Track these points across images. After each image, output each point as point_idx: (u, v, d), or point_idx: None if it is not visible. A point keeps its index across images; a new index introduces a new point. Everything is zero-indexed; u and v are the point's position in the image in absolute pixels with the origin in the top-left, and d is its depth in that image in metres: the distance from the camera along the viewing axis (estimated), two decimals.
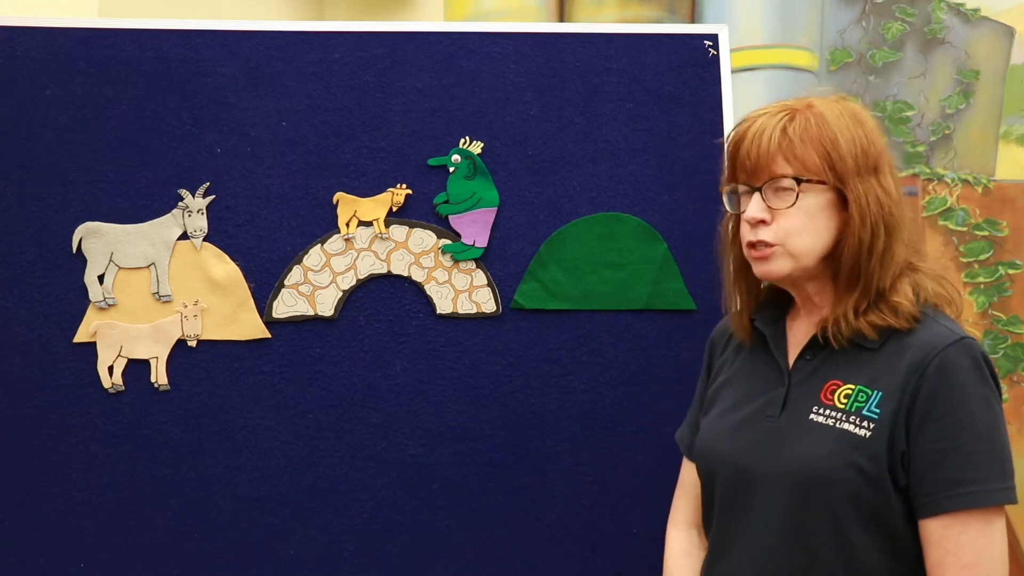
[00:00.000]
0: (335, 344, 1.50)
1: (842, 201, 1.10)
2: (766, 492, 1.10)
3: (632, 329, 1.53)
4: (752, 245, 1.13)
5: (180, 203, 1.49)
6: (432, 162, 1.52)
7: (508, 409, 1.51)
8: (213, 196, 1.49)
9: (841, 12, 2.29)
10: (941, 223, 2.21)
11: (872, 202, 1.08)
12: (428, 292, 1.51)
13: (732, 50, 1.60)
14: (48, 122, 1.48)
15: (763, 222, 1.11)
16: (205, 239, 1.49)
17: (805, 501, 1.07)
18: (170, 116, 1.50)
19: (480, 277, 1.52)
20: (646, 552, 1.44)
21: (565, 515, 1.51)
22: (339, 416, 1.50)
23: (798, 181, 1.09)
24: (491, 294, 1.52)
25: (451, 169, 1.52)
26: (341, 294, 1.50)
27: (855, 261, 1.09)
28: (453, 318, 1.51)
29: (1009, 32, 2.19)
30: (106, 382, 1.47)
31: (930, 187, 2.22)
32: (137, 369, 1.48)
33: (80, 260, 1.47)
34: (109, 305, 1.48)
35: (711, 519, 1.20)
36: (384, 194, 1.51)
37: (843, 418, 1.07)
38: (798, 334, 1.18)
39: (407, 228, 1.52)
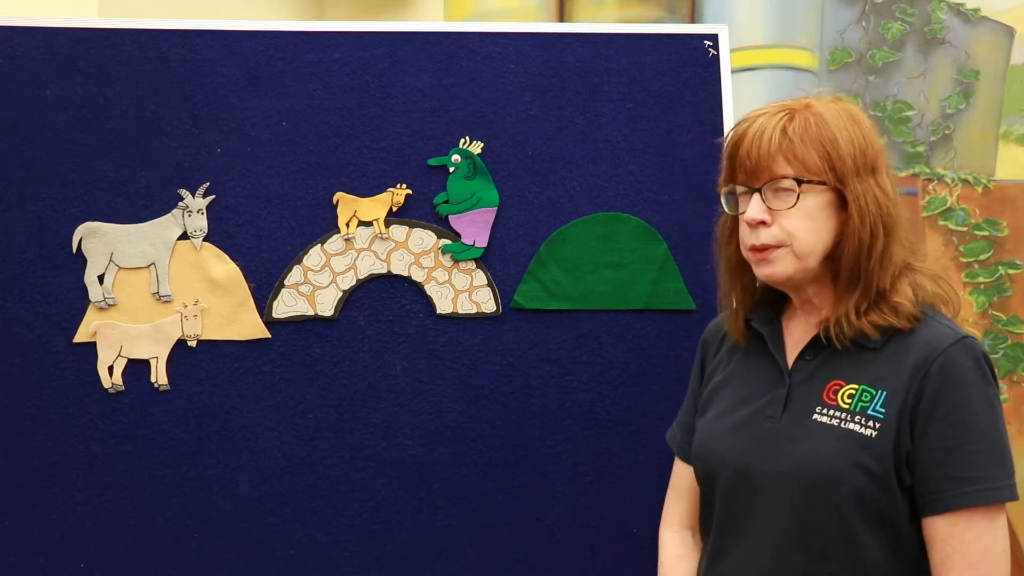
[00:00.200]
0: (335, 344, 1.50)
1: (841, 202, 1.10)
2: (769, 493, 1.10)
3: (632, 329, 1.53)
4: (754, 248, 1.13)
5: (180, 203, 1.49)
6: (432, 162, 1.52)
7: (508, 409, 1.51)
8: (213, 196, 1.49)
9: (841, 12, 2.29)
10: (941, 223, 2.21)
11: (871, 202, 1.08)
12: (428, 292, 1.51)
13: (732, 50, 1.60)
14: (48, 122, 1.48)
15: (763, 223, 1.11)
16: (205, 239, 1.49)
17: (810, 501, 1.07)
18: (170, 116, 1.50)
19: (480, 277, 1.52)
20: (646, 552, 1.44)
21: (565, 515, 1.51)
22: (339, 416, 1.50)
23: (799, 182, 1.09)
24: (491, 294, 1.52)
25: (451, 169, 1.52)
26: (341, 294, 1.50)
27: (855, 262, 1.09)
28: (453, 318, 1.51)
29: (1009, 32, 2.19)
30: (106, 382, 1.47)
31: (930, 187, 2.22)
32: (137, 369, 1.48)
33: (80, 260, 1.47)
34: (109, 305, 1.48)
35: (711, 521, 1.19)
36: (384, 194, 1.51)
37: (848, 418, 1.07)
38: (795, 334, 1.18)
39: (407, 228, 1.52)
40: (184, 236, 1.49)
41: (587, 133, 1.54)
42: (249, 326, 1.49)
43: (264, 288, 1.50)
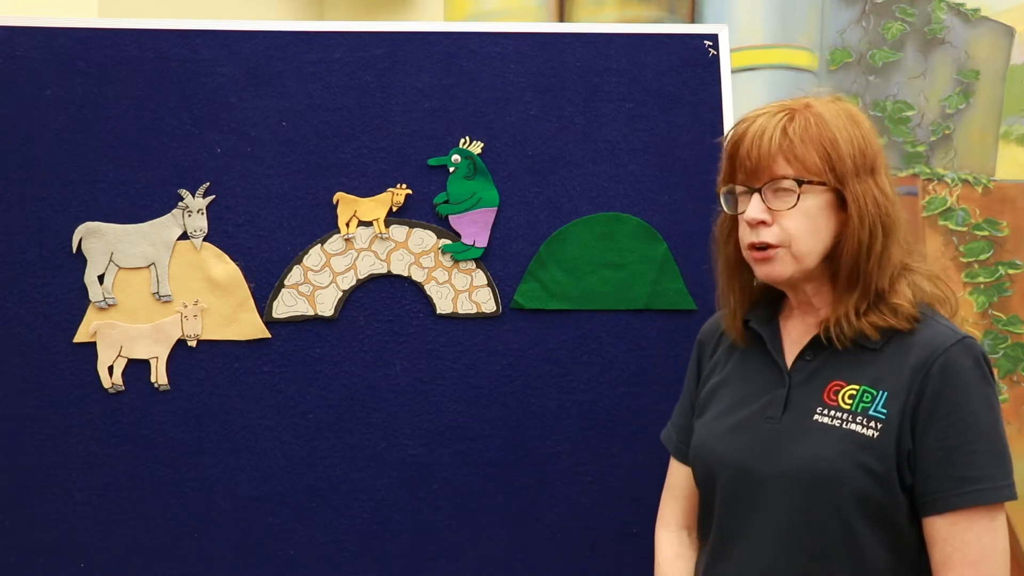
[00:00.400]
0: (335, 344, 1.50)
1: (840, 202, 1.10)
2: (771, 493, 1.10)
3: (632, 329, 1.53)
4: (754, 247, 1.12)
5: (180, 203, 1.49)
6: (432, 162, 1.52)
7: (508, 409, 1.51)
8: (213, 196, 1.49)
9: (841, 12, 2.29)
10: (941, 223, 2.21)
11: (870, 203, 1.08)
12: (428, 292, 1.51)
13: (732, 50, 1.60)
14: (48, 122, 1.48)
15: (763, 223, 1.11)
16: (205, 239, 1.49)
17: (811, 502, 1.07)
18: (170, 116, 1.50)
19: (480, 277, 1.52)
20: (646, 552, 1.44)
21: (565, 515, 1.51)
22: (339, 416, 1.50)
23: (799, 182, 1.09)
24: (491, 294, 1.52)
25: (451, 169, 1.52)
26: (341, 294, 1.50)
27: (854, 262, 1.09)
28: (453, 318, 1.51)
29: (1009, 32, 2.19)
30: (106, 382, 1.47)
31: (930, 187, 2.22)
32: (137, 369, 1.48)
33: (80, 260, 1.47)
34: (109, 305, 1.48)
35: (710, 521, 1.19)
36: (384, 194, 1.51)
37: (849, 419, 1.08)
38: (793, 334, 1.18)
39: (407, 228, 1.52)
40: (184, 236, 1.49)
41: (587, 133, 1.54)
42: (249, 326, 1.49)
43: (264, 288, 1.50)
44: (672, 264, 1.53)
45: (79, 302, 1.47)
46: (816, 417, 1.10)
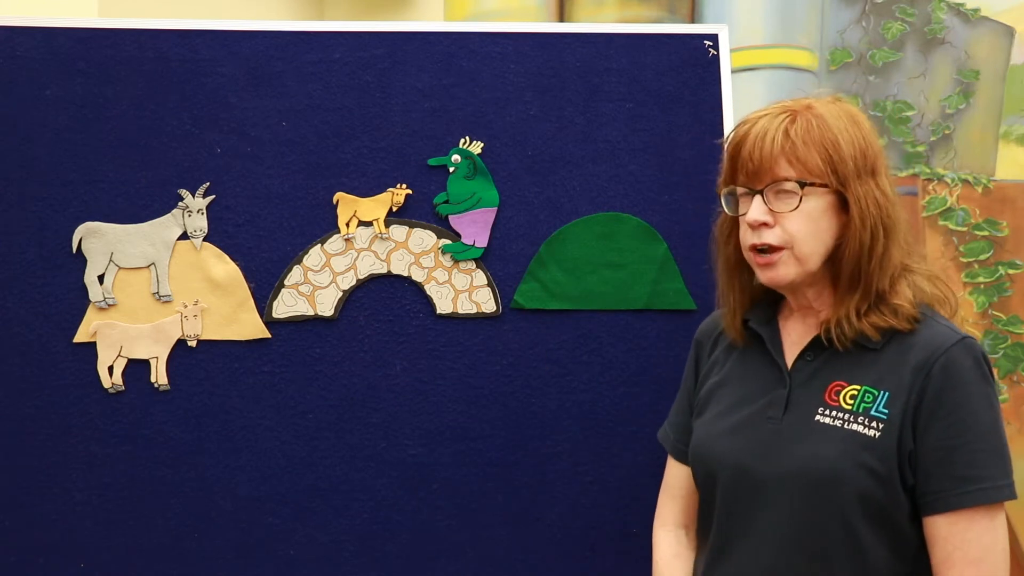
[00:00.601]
0: (335, 344, 1.50)
1: (841, 204, 1.10)
2: (772, 494, 1.10)
3: (632, 329, 1.53)
4: (757, 250, 1.12)
5: (180, 203, 1.49)
6: (432, 162, 1.52)
7: (508, 409, 1.51)
8: (213, 196, 1.49)
9: (841, 12, 2.29)
10: (941, 223, 2.21)
11: (871, 204, 1.08)
12: (428, 292, 1.51)
13: (732, 50, 1.60)
14: (48, 122, 1.48)
15: (765, 224, 1.11)
16: (205, 239, 1.49)
17: (814, 502, 1.07)
18: (170, 116, 1.49)
19: (480, 277, 1.52)
20: (646, 552, 1.44)
21: (565, 515, 1.51)
22: (339, 416, 1.50)
23: (801, 184, 1.09)
24: (491, 294, 1.52)
25: (451, 169, 1.52)
26: (341, 294, 1.50)
27: (855, 264, 1.09)
28: (453, 318, 1.51)
29: (1009, 32, 2.19)
30: (106, 382, 1.47)
31: (930, 187, 2.22)
32: (137, 369, 1.48)
33: (80, 260, 1.47)
34: (109, 305, 1.47)
35: (710, 521, 1.19)
36: (384, 194, 1.51)
37: (851, 419, 1.08)
38: (792, 334, 1.18)
39: (407, 228, 1.52)
40: (184, 236, 1.49)
41: (587, 133, 1.54)
42: (249, 326, 1.49)
43: (264, 288, 1.50)
44: (672, 264, 1.53)
45: (79, 302, 1.47)
46: (818, 417, 1.10)
